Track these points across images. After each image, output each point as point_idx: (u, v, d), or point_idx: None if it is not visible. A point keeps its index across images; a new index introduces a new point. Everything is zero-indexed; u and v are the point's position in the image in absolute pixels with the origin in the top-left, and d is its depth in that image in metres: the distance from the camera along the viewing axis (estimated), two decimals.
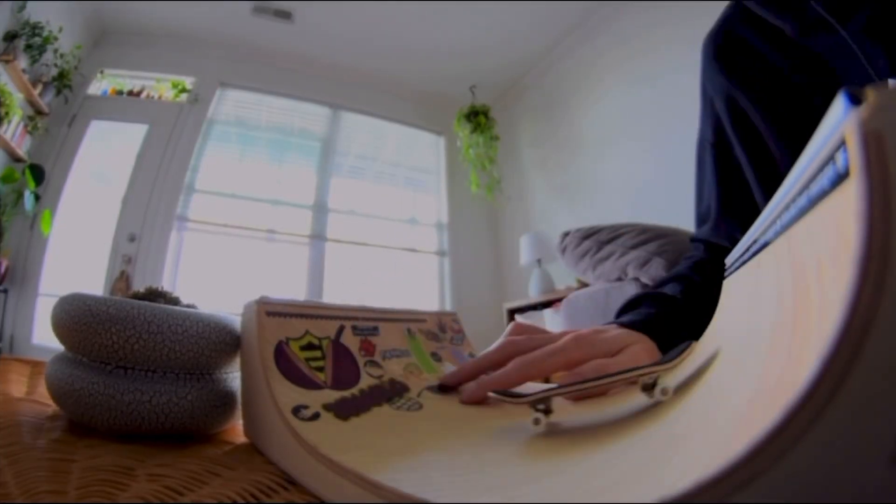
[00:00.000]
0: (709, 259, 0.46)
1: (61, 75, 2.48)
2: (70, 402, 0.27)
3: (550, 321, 2.35)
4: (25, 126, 2.33)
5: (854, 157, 0.09)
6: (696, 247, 0.49)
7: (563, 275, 2.60)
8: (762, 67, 0.41)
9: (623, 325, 0.34)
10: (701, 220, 0.50)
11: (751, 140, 0.42)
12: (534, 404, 0.23)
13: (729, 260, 0.30)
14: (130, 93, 2.89)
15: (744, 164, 0.43)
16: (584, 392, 0.24)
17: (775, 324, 0.14)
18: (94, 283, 2.45)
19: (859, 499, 0.09)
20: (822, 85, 0.36)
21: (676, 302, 0.39)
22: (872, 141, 0.09)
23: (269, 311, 0.29)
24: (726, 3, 0.41)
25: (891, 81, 0.31)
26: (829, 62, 0.35)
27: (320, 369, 0.28)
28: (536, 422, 0.22)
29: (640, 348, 0.31)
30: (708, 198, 0.49)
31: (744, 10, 0.42)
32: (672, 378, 0.23)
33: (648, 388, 0.21)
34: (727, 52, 0.44)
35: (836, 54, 0.34)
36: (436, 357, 0.38)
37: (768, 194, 0.39)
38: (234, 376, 0.33)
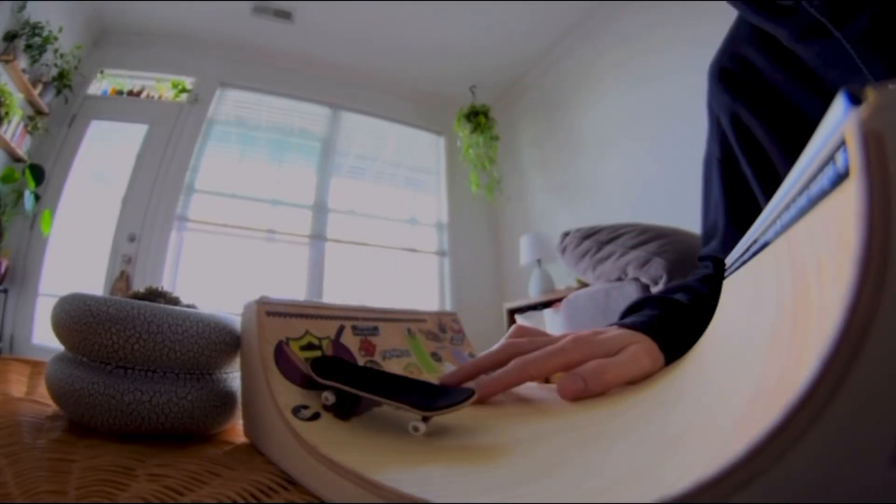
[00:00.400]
0: (717, 275, 0.46)
1: (61, 75, 2.48)
2: (70, 402, 0.27)
3: (550, 321, 2.35)
4: (25, 126, 2.33)
5: (854, 157, 0.09)
6: (704, 265, 0.49)
7: (563, 275, 2.60)
8: (764, 85, 0.41)
9: (624, 326, 0.34)
10: (707, 236, 0.50)
11: (755, 155, 0.42)
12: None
13: (729, 260, 0.30)
14: (130, 93, 2.89)
15: (750, 178, 0.43)
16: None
17: (775, 324, 0.14)
18: (94, 283, 2.45)
19: (859, 499, 0.09)
20: (817, 95, 0.36)
21: (681, 306, 0.39)
22: (872, 141, 0.09)
23: (269, 311, 0.29)
24: (725, 5, 0.41)
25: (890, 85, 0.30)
26: (818, 71, 0.35)
27: None
28: (415, 429, 0.23)
29: (640, 348, 0.31)
30: (715, 213, 0.48)
31: (745, 30, 0.43)
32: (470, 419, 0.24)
33: (424, 419, 0.23)
34: (730, 72, 0.45)
35: (829, 62, 0.34)
36: (436, 357, 0.38)
37: None
38: (234, 376, 0.33)
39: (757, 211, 0.43)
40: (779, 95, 0.40)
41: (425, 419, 0.23)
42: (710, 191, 0.49)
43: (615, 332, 0.33)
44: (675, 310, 0.38)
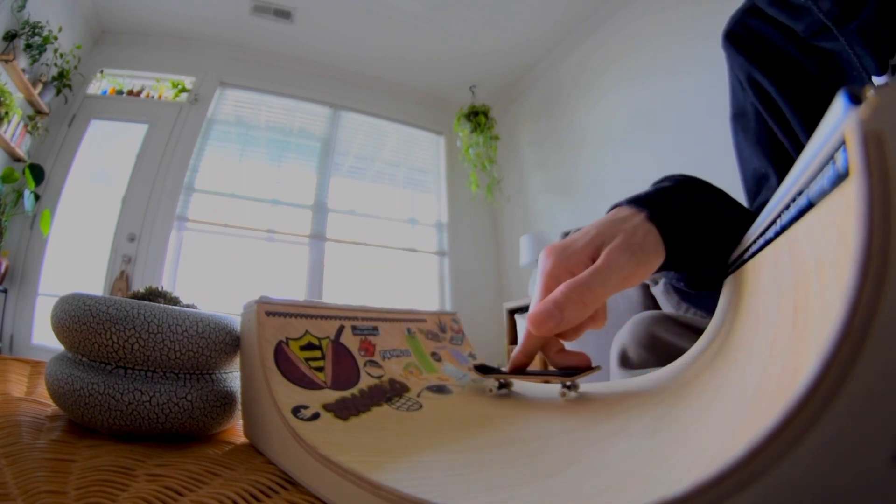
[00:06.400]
0: None
1: (61, 75, 2.48)
2: (70, 402, 0.27)
3: None
4: (25, 126, 2.33)
5: (854, 157, 0.09)
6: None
7: None
8: (772, 49, 0.43)
9: (620, 204, 0.30)
10: (751, 187, 0.48)
11: (775, 111, 0.44)
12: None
13: (729, 259, 0.30)
14: (130, 92, 2.89)
15: (776, 130, 0.45)
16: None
17: (775, 323, 0.14)
18: (93, 283, 2.45)
19: (859, 499, 0.09)
20: (831, 76, 0.38)
21: (713, 191, 0.33)
22: (872, 141, 0.09)
23: (268, 310, 0.29)
24: (726, 3, 0.43)
25: (876, 79, 0.32)
26: (837, 60, 0.37)
27: (320, 369, 0.28)
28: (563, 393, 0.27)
29: (617, 244, 0.25)
30: (751, 163, 0.47)
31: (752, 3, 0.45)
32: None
33: (566, 387, 0.27)
34: (741, 37, 0.46)
35: (842, 56, 0.35)
36: (435, 357, 0.38)
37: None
38: (234, 376, 0.33)
39: (789, 157, 0.43)
40: (786, 58, 0.42)
41: (570, 386, 0.26)
42: (742, 143, 0.49)
43: (595, 227, 0.28)
44: (700, 190, 0.32)
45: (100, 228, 2.58)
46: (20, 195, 2.27)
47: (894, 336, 0.08)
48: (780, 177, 0.45)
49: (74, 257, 2.53)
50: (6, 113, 2.12)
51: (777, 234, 0.16)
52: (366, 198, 3.28)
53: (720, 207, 0.31)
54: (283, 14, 2.75)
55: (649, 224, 0.26)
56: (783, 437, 0.09)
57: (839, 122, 0.10)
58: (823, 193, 0.11)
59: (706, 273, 0.30)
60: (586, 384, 0.29)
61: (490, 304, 3.18)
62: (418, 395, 0.30)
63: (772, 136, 0.45)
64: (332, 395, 0.27)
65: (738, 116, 0.49)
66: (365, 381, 0.30)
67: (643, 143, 2.42)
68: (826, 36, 0.36)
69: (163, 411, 0.27)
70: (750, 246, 0.21)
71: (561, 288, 0.24)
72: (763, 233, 0.18)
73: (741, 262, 0.24)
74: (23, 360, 0.47)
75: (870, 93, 0.09)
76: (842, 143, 0.10)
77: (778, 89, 0.42)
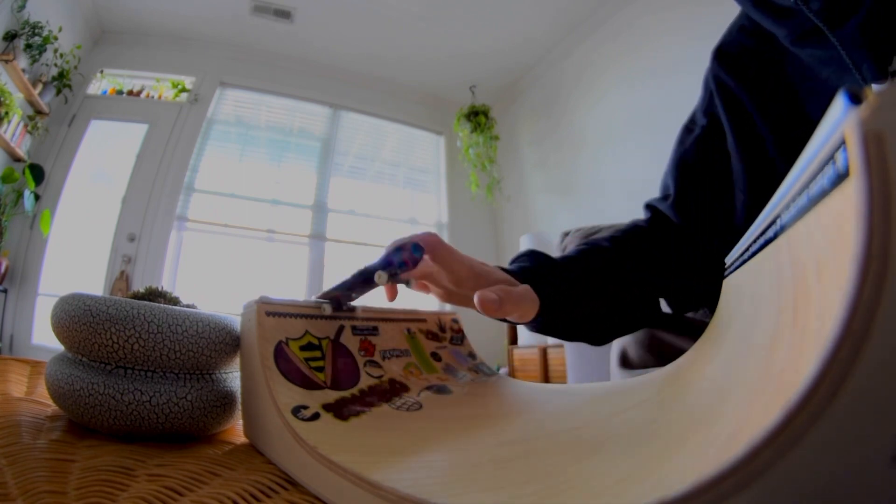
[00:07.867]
0: (649, 226, 0.51)
1: (61, 75, 2.48)
2: (70, 402, 0.27)
3: None
4: (25, 126, 2.33)
5: (854, 156, 0.09)
6: (646, 212, 0.54)
7: None
8: (761, 68, 0.42)
9: (504, 269, 0.39)
10: (662, 192, 0.54)
11: (747, 137, 0.44)
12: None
13: (729, 259, 0.30)
14: (130, 92, 2.89)
15: (734, 157, 0.46)
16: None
17: (775, 323, 0.14)
18: (93, 283, 2.45)
19: (860, 499, 0.09)
20: (814, 92, 0.37)
21: (550, 262, 0.43)
22: (872, 141, 0.09)
23: (268, 310, 0.29)
24: (724, 3, 0.42)
25: (874, 86, 0.31)
26: (815, 70, 0.36)
27: (320, 369, 0.28)
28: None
29: (528, 289, 0.34)
30: (669, 180, 0.53)
31: (749, 21, 0.44)
32: None
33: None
34: (734, 56, 0.46)
35: (826, 62, 0.35)
36: (436, 357, 0.38)
37: (756, 189, 0.43)
38: (234, 376, 0.33)
39: (728, 182, 0.45)
40: (780, 86, 0.41)
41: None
42: (674, 152, 0.53)
43: (498, 270, 0.39)
44: (544, 266, 0.42)
45: (100, 228, 2.58)
46: (20, 195, 2.27)
47: (894, 336, 0.08)
48: (678, 200, 0.50)
49: (74, 257, 2.53)
50: (6, 113, 2.12)
51: (777, 234, 0.16)
52: (366, 198, 3.28)
53: (570, 267, 0.43)
54: (283, 14, 2.75)
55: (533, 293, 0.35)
56: (783, 436, 0.09)
57: (839, 121, 0.10)
58: (823, 193, 0.11)
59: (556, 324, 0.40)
60: (590, 385, 0.29)
61: None
62: (418, 395, 0.30)
63: (715, 157, 0.48)
64: (332, 396, 0.27)
65: (686, 130, 0.52)
66: (365, 381, 0.30)
67: (643, 143, 2.42)
68: (813, 41, 0.35)
69: (163, 411, 0.27)
70: (749, 246, 0.21)
71: (506, 296, 0.31)
72: (763, 233, 0.18)
73: (741, 262, 0.24)
74: (23, 360, 0.47)
75: (870, 92, 0.09)
76: (842, 143, 0.10)
77: (760, 115, 0.42)
